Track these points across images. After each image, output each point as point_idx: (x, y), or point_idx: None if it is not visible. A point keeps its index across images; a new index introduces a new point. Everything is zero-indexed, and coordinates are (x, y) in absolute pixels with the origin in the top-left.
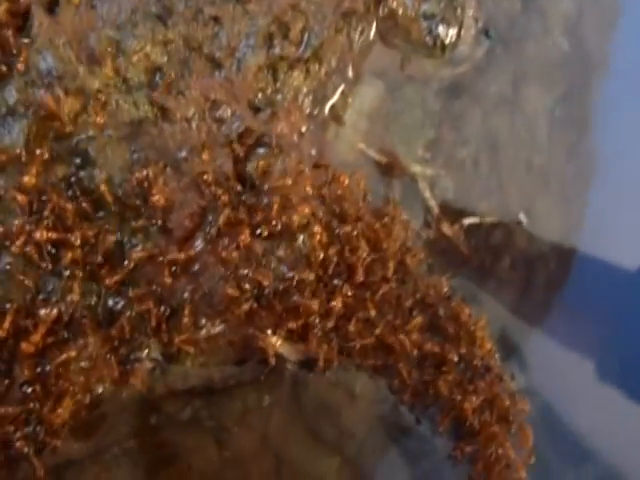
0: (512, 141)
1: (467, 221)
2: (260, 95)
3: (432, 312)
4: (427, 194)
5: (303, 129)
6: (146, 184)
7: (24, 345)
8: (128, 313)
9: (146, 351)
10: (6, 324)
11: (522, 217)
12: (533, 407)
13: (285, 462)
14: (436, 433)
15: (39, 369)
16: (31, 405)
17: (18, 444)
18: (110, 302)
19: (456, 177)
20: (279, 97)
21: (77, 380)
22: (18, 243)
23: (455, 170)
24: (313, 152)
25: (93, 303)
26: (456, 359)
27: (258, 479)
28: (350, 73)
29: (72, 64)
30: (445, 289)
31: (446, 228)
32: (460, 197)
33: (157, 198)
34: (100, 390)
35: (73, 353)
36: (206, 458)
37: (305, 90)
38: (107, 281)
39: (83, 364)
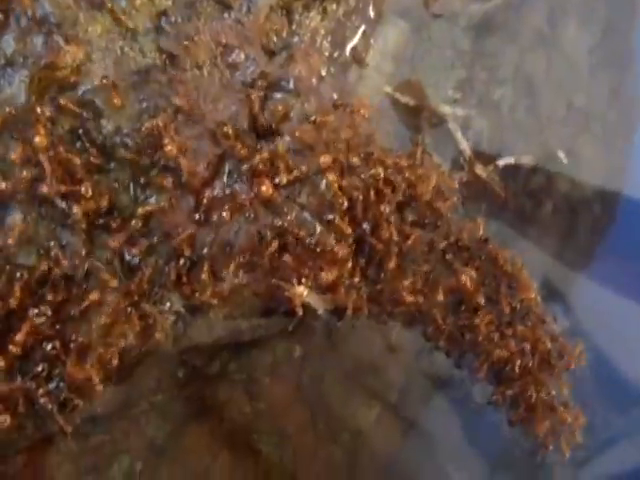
0: (550, 81)
1: (502, 162)
2: (275, 38)
3: (467, 256)
4: (458, 135)
5: (323, 72)
6: (157, 133)
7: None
8: (146, 266)
9: (168, 304)
10: (18, 286)
11: (562, 156)
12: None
13: (321, 414)
14: (475, 379)
15: (58, 326)
16: (52, 362)
17: (42, 401)
18: (127, 256)
19: (491, 119)
20: (295, 39)
21: (98, 336)
22: (23, 197)
23: (489, 111)
24: (334, 96)
25: (109, 257)
26: (494, 302)
27: (293, 431)
28: (371, 12)
29: (71, 9)
30: (481, 232)
31: (480, 170)
32: (495, 139)
33: (169, 148)
34: (123, 345)
35: (90, 306)
36: (238, 411)
37: (323, 31)
38: (119, 234)
39: (103, 319)
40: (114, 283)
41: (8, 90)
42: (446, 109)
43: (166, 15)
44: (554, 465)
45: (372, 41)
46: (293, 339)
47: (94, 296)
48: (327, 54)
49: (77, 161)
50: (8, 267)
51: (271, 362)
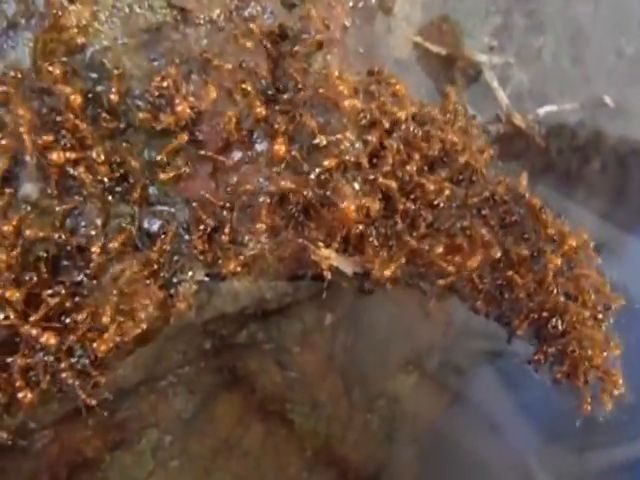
0: (598, 27)
1: (543, 110)
2: None
3: (504, 210)
4: (495, 84)
5: (347, 23)
6: (168, 93)
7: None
8: (166, 234)
9: (190, 273)
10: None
11: (608, 100)
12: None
13: (355, 382)
14: (514, 337)
15: (77, 298)
16: (72, 335)
17: (63, 375)
18: (145, 223)
19: (531, 69)
20: None
21: (118, 306)
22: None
23: (530, 62)
24: (360, 49)
25: (127, 225)
26: (534, 256)
27: (327, 400)
28: None
29: None
30: (522, 186)
31: (518, 120)
32: (536, 91)
33: (181, 108)
34: (144, 316)
35: (109, 277)
36: (270, 380)
37: None
38: (136, 201)
39: (123, 289)
40: (133, 252)
41: (12, 54)
42: (482, 57)
43: None
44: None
45: None
46: (323, 306)
47: (112, 266)
48: (351, 4)
49: (86, 127)
50: (24, 241)
51: (301, 330)
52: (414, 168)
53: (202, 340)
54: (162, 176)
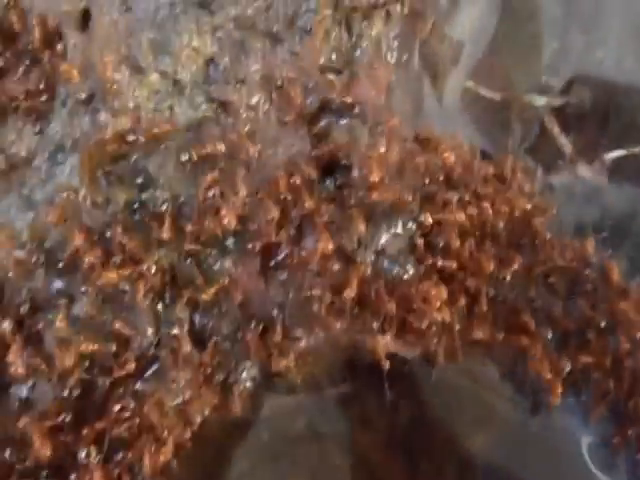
0: None
1: (610, 155)
2: (334, 56)
3: (572, 277)
4: (555, 130)
5: (392, 79)
6: (215, 203)
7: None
8: (218, 335)
9: (244, 372)
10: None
11: None
12: None
13: (422, 454)
14: (588, 420)
15: (133, 406)
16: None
17: None
18: (197, 326)
19: (593, 86)
20: (357, 53)
21: (175, 416)
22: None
23: (591, 80)
24: (407, 105)
25: (178, 331)
26: (608, 330)
27: None
28: None
29: (114, 81)
30: (589, 248)
31: (584, 170)
32: (600, 123)
33: (228, 220)
34: (199, 420)
35: (164, 384)
36: (330, 465)
37: (388, 37)
38: (186, 305)
39: (179, 397)
40: (187, 357)
41: (60, 177)
42: (540, 100)
43: (214, 62)
44: None
45: (446, 29)
46: (381, 387)
47: (167, 374)
48: (394, 61)
49: (134, 242)
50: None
51: (360, 412)
52: (472, 243)
53: (259, 433)
54: (217, 284)
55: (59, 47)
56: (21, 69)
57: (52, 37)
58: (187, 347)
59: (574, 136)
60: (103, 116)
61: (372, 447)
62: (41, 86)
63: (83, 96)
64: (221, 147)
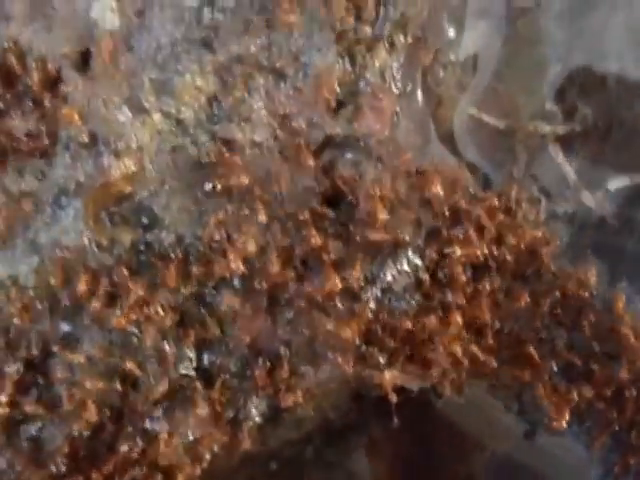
0: None
1: (613, 185)
2: (338, 88)
3: (577, 311)
4: (560, 158)
5: (397, 109)
6: (221, 245)
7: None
8: (225, 372)
9: (252, 408)
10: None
11: None
12: None
13: (427, 475)
14: (590, 448)
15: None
16: None
17: None
18: (205, 363)
19: (596, 103)
20: (361, 85)
21: (185, 453)
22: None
23: (593, 95)
24: (412, 138)
25: (185, 371)
26: (612, 359)
27: None
28: (446, 26)
29: (117, 123)
30: (593, 279)
31: (588, 199)
32: (602, 136)
33: (235, 265)
34: (208, 457)
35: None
36: None
37: (392, 68)
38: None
39: (188, 436)
40: (193, 395)
41: (65, 221)
42: (545, 128)
43: (217, 100)
44: None
45: (450, 55)
46: (388, 417)
47: (177, 414)
48: (398, 91)
49: (141, 287)
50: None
51: (367, 441)
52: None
53: (268, 461)
54: (215, 314)
55: (60, 89)
56: (21, 111)
57: (52, 79)
58: (196, 385)
59: (578, 160)
60: (106, 158)
61: (381, 473)
62: (42, 128)
63: (85, 139)
64: (245, 180)
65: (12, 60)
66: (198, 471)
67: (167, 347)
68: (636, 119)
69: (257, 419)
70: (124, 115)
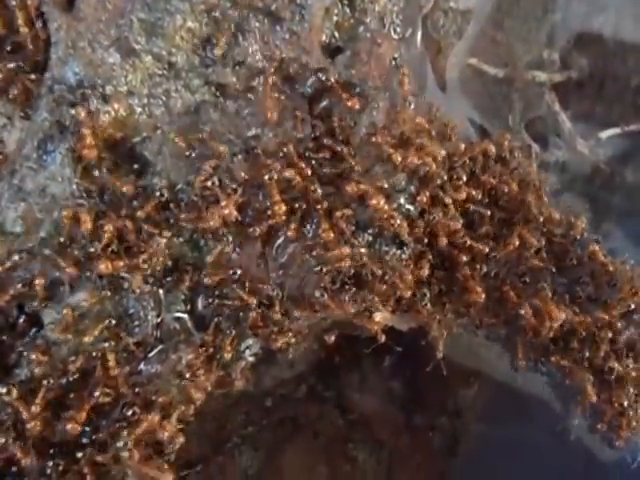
0: None
1: (605, 133)
2: (337, 33)
3: (561, 251)
4: (556, 107)
5: (396, 55)
6: (212, 193)
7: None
8: (219, 315)
9: (246, 349)
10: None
11: None
12: None
13: (416, 408)
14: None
15: (138, 389)
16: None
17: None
18: (199, 307)
19: (591, 54)
20: (361, 29)
21: (179, 393)
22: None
23: (590, 47)
24: (411, 87)
25: (179, 315)
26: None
27: (389, 436)
28: None
29: (105, 65)
30: (579, 229)
31: (581, 146)
32: (596, 89)
33: (228, 211)
34: (203, 397)
35: (168, 367)
36: (331, 424)
37: (392, 12)
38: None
39: (184, 374)
40: (189, 338)
41: (52, 166)
42: (542, 77)
43: (210, 43)
44: None
45: (451, 2)
46: (380, 352)
47: (170, 356)
48: (398, 37)
49: (131, 226)
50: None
51: (359, 377)
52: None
53: (263, 399)
54: (209, 259)
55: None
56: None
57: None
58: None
59: (572, 109)
60: (94, 104)
61: (371, 407)
62: (26, 69)
63: (71, 82)
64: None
65: None
66: (192, 410)
67: (161, 291)
68: (629, 74)
69: (251, 360)
70: (112, 57)
